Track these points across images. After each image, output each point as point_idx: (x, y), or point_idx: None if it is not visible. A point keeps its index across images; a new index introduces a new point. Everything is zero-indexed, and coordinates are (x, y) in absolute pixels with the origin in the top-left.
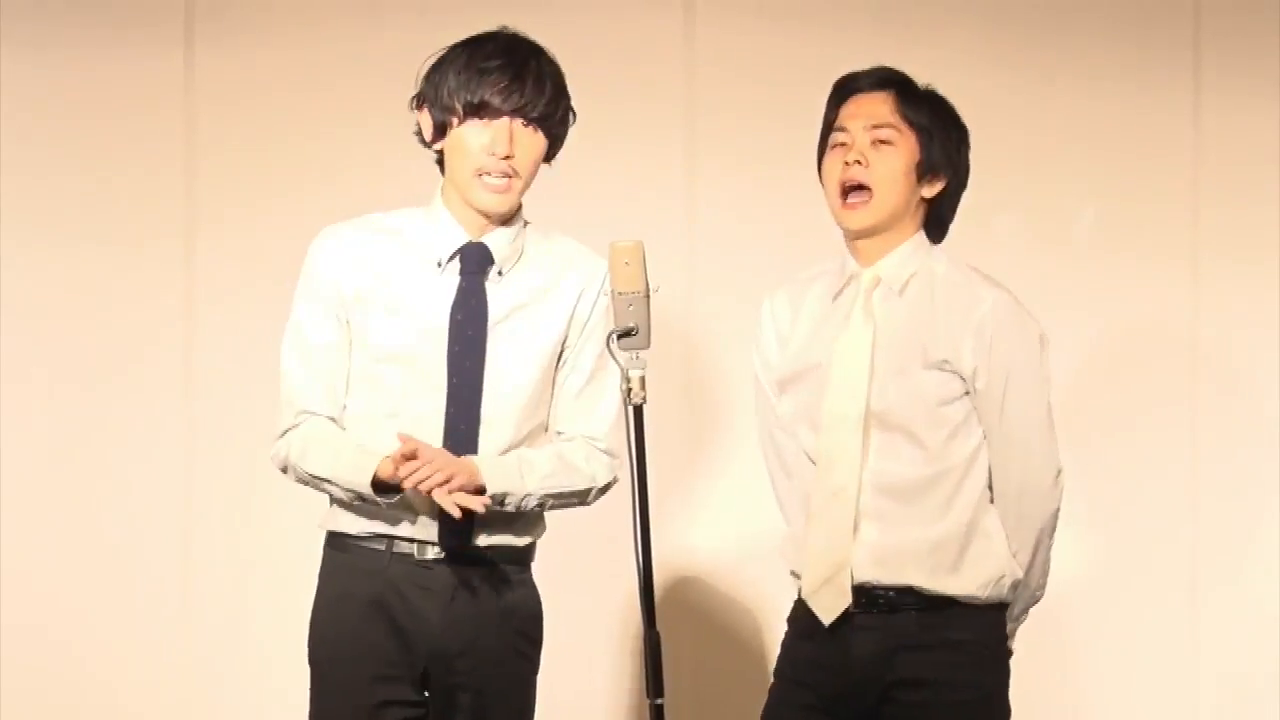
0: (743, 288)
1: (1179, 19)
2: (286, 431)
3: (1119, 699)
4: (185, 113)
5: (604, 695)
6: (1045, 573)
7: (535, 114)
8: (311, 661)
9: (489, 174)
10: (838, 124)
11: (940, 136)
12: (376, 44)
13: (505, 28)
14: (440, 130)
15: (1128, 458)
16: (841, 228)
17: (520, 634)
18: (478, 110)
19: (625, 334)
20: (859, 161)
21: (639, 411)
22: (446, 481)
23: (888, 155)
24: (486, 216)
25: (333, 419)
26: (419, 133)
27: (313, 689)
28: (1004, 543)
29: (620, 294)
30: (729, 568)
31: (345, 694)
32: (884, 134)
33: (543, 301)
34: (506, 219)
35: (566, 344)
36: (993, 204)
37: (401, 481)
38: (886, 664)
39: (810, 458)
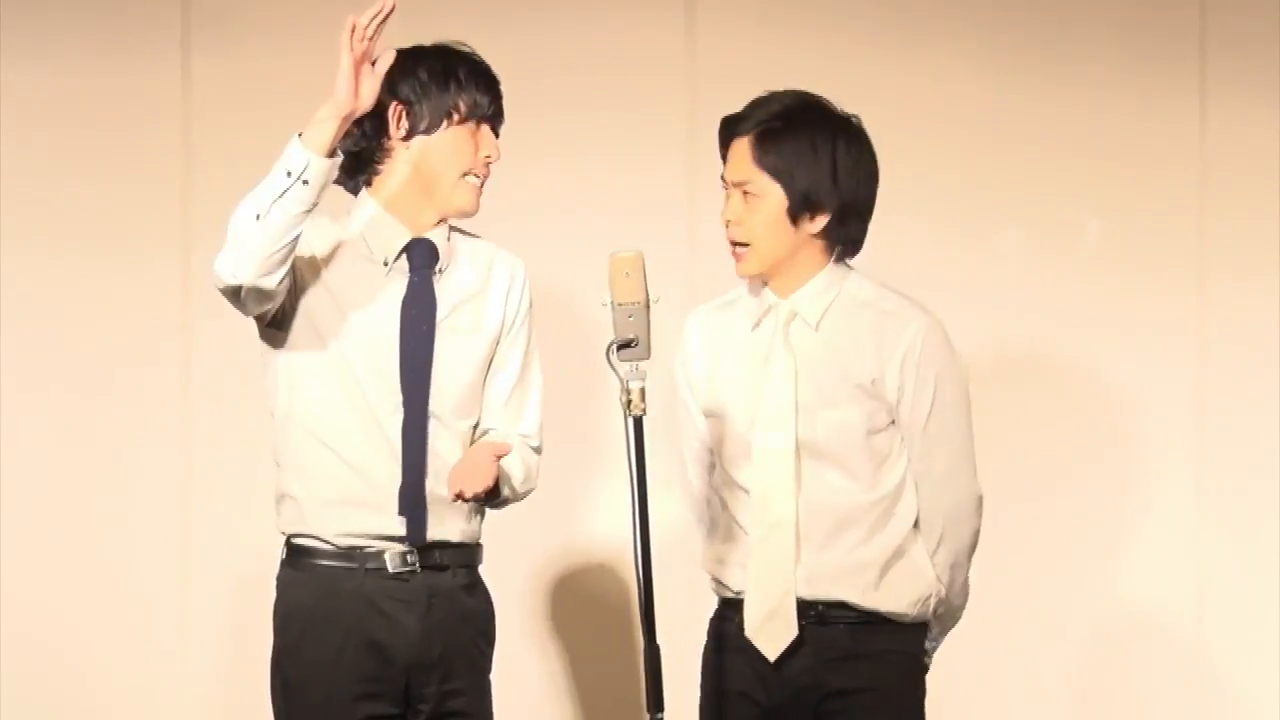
0: None
1: (1184, 31)
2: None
3: (1122, 707)
4: (182, 121)
5: (604, 710)
6: (965, 594)
7: (501, 123)
8: (283, 683)
9: (476, 176)
10: (723, 172)
11: (805, 173)
12: None
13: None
14: (424, 129)
15: (1133, 469)
16: None
17: (482, 634)
18: (485, 115)
19: (625, 345)
20: (732, 221)
21: (639, 423)
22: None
23: (755, 207)
24: (461, 216)
25: None
26: (368, 130)
27: (283, 707)
28: (929, 566)
29: (620, 305)
30: None
31: (325, 714)
32: (748, 188)
33: (478, 299)
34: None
35: (499, 345)
36: (997, 217)
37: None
38: (820, 676)
39: (740, 486)
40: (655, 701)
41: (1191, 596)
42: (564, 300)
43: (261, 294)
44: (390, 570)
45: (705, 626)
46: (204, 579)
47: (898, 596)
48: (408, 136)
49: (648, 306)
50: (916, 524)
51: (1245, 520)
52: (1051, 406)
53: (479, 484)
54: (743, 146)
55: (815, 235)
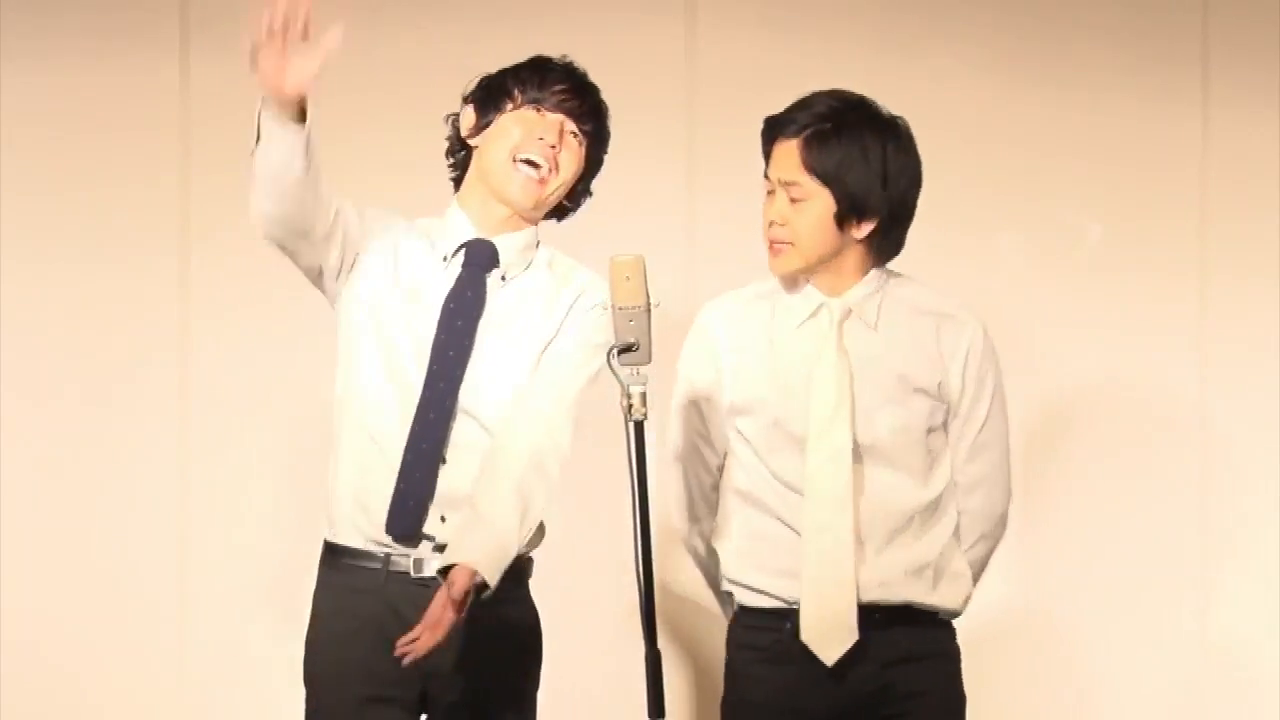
0: None
1: (1187, 33)
2: None
3: (1122, 709)
4: (180, 125)
5: (604, 715)
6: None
7: (587, 126)
8: (306, 679)
9: (531, 160)
10: (766, 170)
11: (855, 179)
12: (373, 57)
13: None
14: (485, 125)
15: (1134, 473)
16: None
17: (520, 650)
18: (537, 101)
19: (626, 349)
20: (776, 221)
21: (640, 427)
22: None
23: (803, 211)
24: (514, 208)
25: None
26: (454, 135)
27: (307, 707)
28: (966, 564)
29: (621, 309)
30: None
31: (336, 714)
32: (795, 191)
33: (540, 308)
34: (526, 222)
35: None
36: (997, 220)
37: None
38: (886, 680)
39: (787, 485)
40: (656, 707)
41: (1193, 598)
42: None
43: (296, 231)
44: (413, 575)
45: (704, 630)
46: (201, 585)
47: (952, 594)
48: (474, 133)
49: (648, 310)
50: (955, 530)
51: (1248, 522)
52: (1052, 410)
53: (424, 644)
54: (790, 149)
55: (861, 240)
